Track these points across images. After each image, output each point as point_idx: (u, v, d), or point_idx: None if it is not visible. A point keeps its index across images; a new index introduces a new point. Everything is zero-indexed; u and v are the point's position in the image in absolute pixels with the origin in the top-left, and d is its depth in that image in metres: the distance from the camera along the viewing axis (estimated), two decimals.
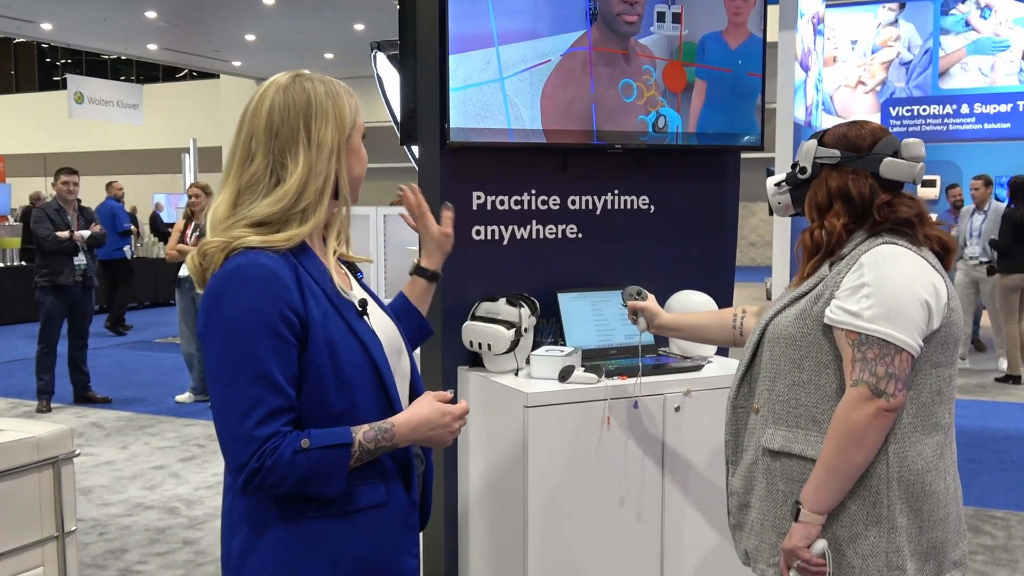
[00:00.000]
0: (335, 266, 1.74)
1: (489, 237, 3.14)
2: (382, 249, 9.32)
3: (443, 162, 3.05)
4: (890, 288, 1.80)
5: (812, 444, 1.90)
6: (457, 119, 2.95)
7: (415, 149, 4.97)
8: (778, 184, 2.07)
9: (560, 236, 3.24)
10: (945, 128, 13.14)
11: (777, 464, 1.96)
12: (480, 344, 2.94)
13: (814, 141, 2.01)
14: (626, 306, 2.62)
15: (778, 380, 1.97)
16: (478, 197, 3.12)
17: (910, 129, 13.12)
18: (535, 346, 3.07)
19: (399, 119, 3.35)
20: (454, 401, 1.79)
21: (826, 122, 13.26)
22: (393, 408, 1.69)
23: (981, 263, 8.59)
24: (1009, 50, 12.79)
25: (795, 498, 1.91)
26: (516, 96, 3.00)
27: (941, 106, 13.11)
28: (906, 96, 13.29)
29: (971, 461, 5.69)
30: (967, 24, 13.06)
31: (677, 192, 3.42)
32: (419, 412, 1.69)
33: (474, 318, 3.01)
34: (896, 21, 13.51)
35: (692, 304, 3.25)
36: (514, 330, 2.91)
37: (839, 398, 1.87)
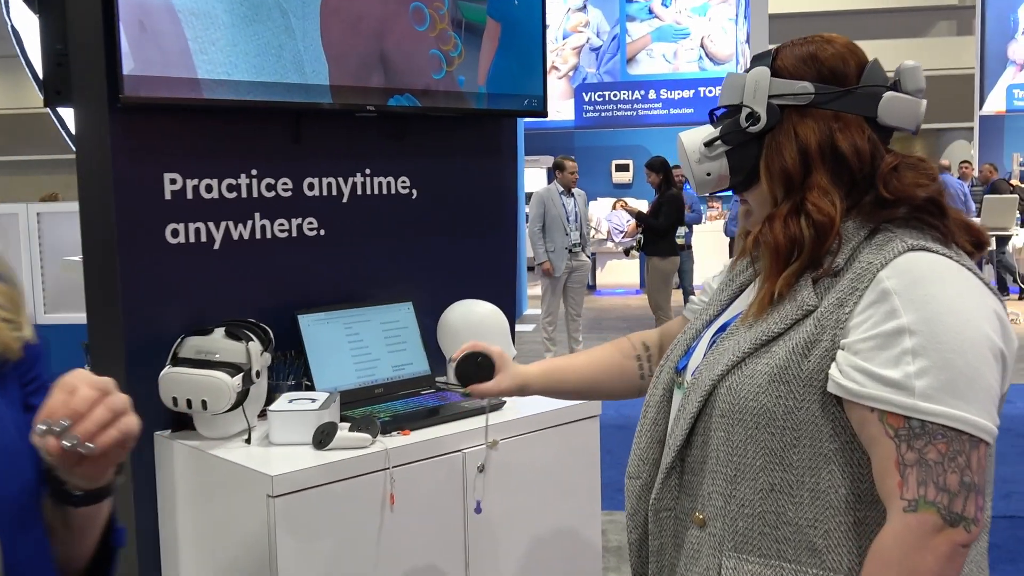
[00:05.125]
0: None
1: (192, 239, 2.15)
2: (37, 255, 7.71)
3: (114, 130, 2.02)
4: (949, 336, 1.06)
5: None
6: (137, 60, 1.94)
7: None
8: (709, 144, 1.29)
9: (295, 234, 2.31)
10: (635, 113, 13.32)
11: None
12: (190, 401, 1.95)
13: (763, 69, 1.25)
14: (464, 390, 1.67)
15: (741, 480, 1.19)
16: (172, 181, 2.11)
17: (603, 114, 13.18)
18: (271, 393, 2.13)
19: (42, 69, 2.26)
20: None
21: None
22: None
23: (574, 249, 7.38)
24: (689, 38, 13.16)
25: None
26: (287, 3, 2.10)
27: (630, 91, 13.26)
28: (597, 82, 13.34)
29: None
30: (650, 12, 13.30)
31: (444, 170, 2.59)
32: None
33: (177, 362, 2.01)
34: (584, 7, 13.50)
35: (476, 317, 2.45)
36: (241, 376, 1.96)
37: (851, 512, 1.13)
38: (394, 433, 2.03)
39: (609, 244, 12.81)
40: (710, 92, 13.01)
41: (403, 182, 2.50)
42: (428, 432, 2.06)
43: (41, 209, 7.95)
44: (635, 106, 13.37)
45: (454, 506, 2.07)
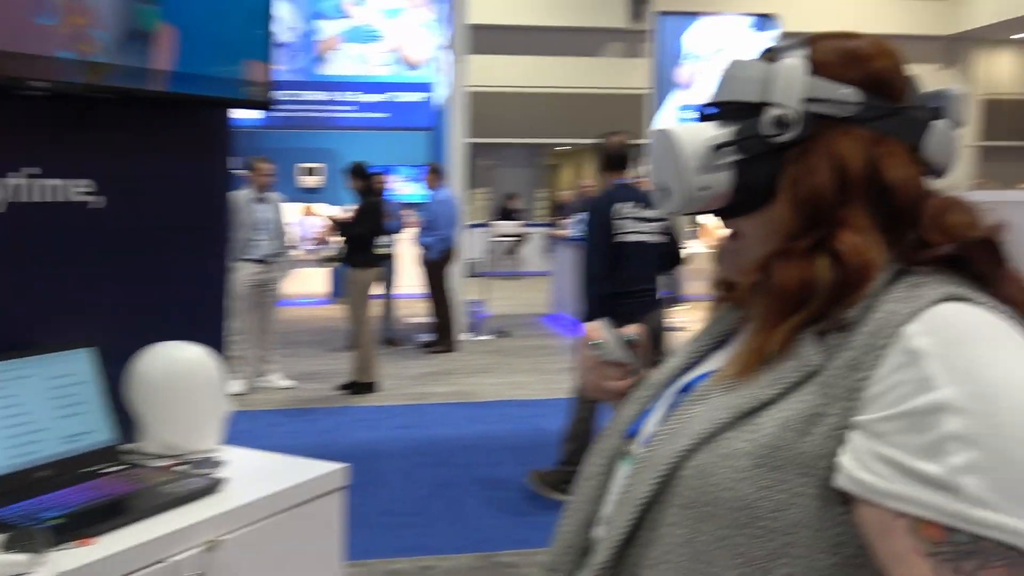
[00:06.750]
0: None
1: None
2: None
3: None
4: (1010, 418, 0.75)
5: None
6: None
7: None
8: (720, 148, 0.89)
9: None
10: (326, 115, 12.82)
11: None
12: None
13: (796, 62, 0.90)
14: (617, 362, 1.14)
15: None
16: None
17: (294, 114, 12.53)
18: None
19: None
20: None
21: None
22: None
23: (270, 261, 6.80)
24: (381, 40, 12.83)
25: None
26: None
27: (321, 92, 12.73)
28: (287, 80, 12.65)
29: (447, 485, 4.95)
30: (342, 11, 12.82)
31: (143, 170, 1.99)
32: None
33: None
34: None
35: (180, 365, 1.90)
36: None
37: None
38: (70, 544, 1.44)
39: (294, 252, 12.13)
40: (403, 97, 12.82)
41: (85, 185, 1.88)
42: (121, 537, 1.49)
43: None
44: (326, 107, 12.87)
45: None
